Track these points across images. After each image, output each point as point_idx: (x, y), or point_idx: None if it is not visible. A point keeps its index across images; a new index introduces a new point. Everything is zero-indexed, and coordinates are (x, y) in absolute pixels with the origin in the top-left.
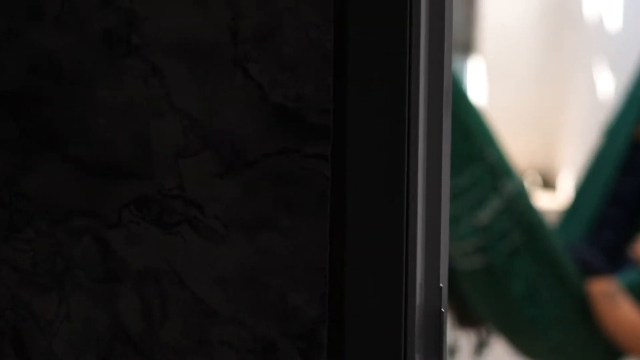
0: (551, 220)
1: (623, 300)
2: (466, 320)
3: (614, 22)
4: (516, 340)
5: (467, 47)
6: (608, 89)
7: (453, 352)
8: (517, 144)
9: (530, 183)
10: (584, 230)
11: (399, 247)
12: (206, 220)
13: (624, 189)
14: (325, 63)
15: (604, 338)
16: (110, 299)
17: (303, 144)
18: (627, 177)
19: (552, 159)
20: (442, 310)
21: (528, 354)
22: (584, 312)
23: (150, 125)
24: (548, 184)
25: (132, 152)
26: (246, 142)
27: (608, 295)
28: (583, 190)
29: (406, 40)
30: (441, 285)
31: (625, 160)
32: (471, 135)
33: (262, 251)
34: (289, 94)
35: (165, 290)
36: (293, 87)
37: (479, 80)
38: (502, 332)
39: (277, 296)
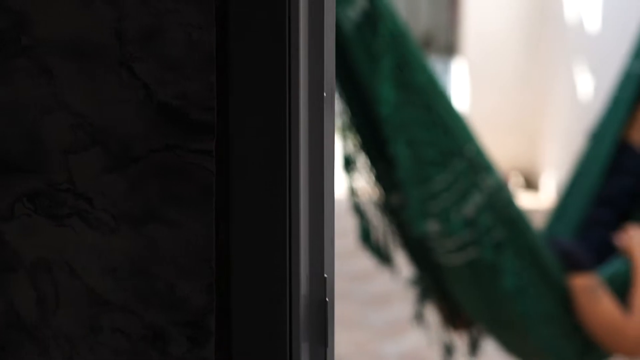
0: (535, 220)
1: (604, 294)
2: (457, 320)
3: (593, 24)
4: (506, 338)
5: (451, 50)
6: (588, 90)
7: (450, 351)
8: (499, 145)
9: (513, 184)
10: (572, 231)
11: (283, 239)
12: (95, 212)
13: (612, 190)
14: (208, 63)
15: (586, 333)
16: (5, 288)
17: (188, 140)
18: (615, 178)
19: (534, 160)
20: (327, 300)
21: (518, 353)
22: (567, 307)
23: (41, 123)
24: (531, 185)
25: (23, 149)
26: (133, 138)
27: (589, 289)
28: (570, 192)
29: (285, 40)
30: (325, 275)
31: (613, 162)
32: (449, 131)
33: (149, 242)
34: (173, 92)
35: (58, 279)
36: (177, 86)
37: (461, 82)
38: (492, 331)
39: (165, 285)
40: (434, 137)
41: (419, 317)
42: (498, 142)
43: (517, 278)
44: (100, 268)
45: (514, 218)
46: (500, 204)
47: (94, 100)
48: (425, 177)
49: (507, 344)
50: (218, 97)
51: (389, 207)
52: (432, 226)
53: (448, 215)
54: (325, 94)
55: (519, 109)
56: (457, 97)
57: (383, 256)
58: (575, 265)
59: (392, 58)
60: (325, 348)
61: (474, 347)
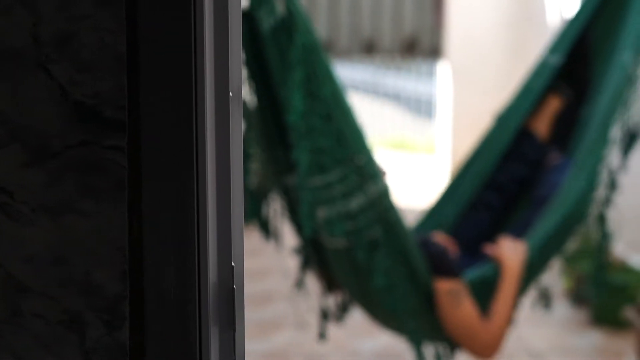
0: None
1: (465, 299)
2: (332, 285)
3: None
4: (376, 316)
5: (435, 53)
6: None
7: (325, 316)
8: None
9: None
10: (459, 211)
11: (192, 230)
12: (16, 205)
13: (505, 176)
14: (119, 64)
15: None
16: None
17: (101, 136)
18: (511, 163)
19: None
20: (235, 287)
21: (387, 327)
22: (431, 306)
23: None
24: None
25: None
26: (50, 135)
27: (451, 293)
28: (464, 172)
29: (191, 43)
30: (233, 264)
31: (512, 147)
32: (344, 140)
33: (67, 232)
34: (87, 92)
35: None
36: (91, 86)
37: (446, 85)
38: (363, 306)
39: (82, 273)
40: (330, 145)
41: (299, 284)
42: None
43: (386, 277)
44: (21, 257)
45: (391, 222)
46: (381, 208)
47: (12, 99)
48: (319, 181)
49: (377, 319)
50: (129, 97)
51: (282, 187)
52: (320, 212)
53: (330, 205)
54: (231, 94)
55: None
56: (442, 99)
57: (270, 231)
58: (441, 269)
59: (303, 69)
60: (234, 332)
61: (344, 309)
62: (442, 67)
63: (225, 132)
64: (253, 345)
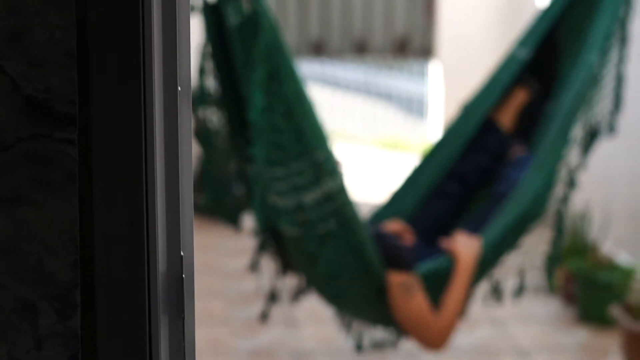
0: None
1: (417, 292)
2: (287, 267)
3: None
4: (327, 302)
5: (427, 53)
6: None
7: (274, 298)
8: None
9: None
10: (419, 199)
11: (141, 221)
12: None
13: (467, 165)
14: (70, 60)
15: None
16: None
17: (53, 130)
18: (474, 153)
19: None
20: (184, 276)
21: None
22: (382, 297)
23: None
24: None
25: None
26: (3, 128)
27: (403, 286)
28: (428, 160)
29: (139, 39)
30: (182, 254)
31: (476, 137)
32: (304, 138)
33: (19, 223)
34: (39, 87)
35: None
36: (42, 81)
37: (437, 85)
38: (314, 291)
39: (35, 262)
40: (287, 141)
41: (254, 267)
42: None
43: (332, 267)
44: None
45: (346, 217)
46: (337, 203)
47: None
48: (276, 173)
49: (328, 304)
50: (80, 91)
51: (244, 176)
52: (275, 202)
53: (285, 197)
54: (180, 88)
55: None
56: (434, 99)
57: (231, 217)
58: (394, 262)
59: (265, 68)
60: (183, 320)
61: (299, 292)
62: (434, 67)
63: (173, 125)
64: (240, 342)
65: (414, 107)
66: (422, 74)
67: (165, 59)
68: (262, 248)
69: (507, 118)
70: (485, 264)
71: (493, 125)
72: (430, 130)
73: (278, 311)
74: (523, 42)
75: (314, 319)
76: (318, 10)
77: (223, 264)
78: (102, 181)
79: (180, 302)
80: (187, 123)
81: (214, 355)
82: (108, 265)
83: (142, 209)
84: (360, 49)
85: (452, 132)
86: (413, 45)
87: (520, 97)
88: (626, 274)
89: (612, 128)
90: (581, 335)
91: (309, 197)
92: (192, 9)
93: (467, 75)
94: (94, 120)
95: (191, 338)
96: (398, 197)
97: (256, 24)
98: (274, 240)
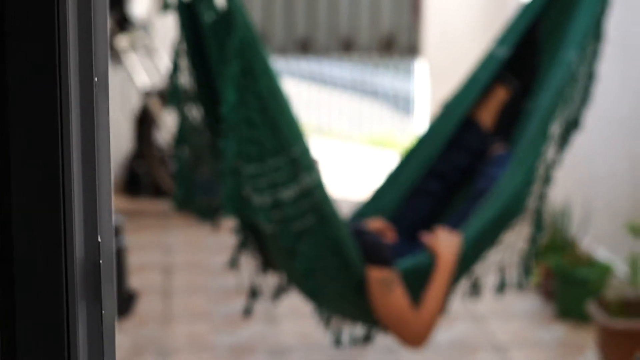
0: None
1: (397, 288)
2: (267, 264)
3: None
4: (305, 296)
5: (413, 51)
6: None
7: (255, 294)
8: None
9: None
10: (400, 196)
11: (57, 209)
12: None
13: (447, 164)
14: None
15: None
16: None
17: None
18: (454, 151)
19: None
20: (100, 262)
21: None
22: (362, 293)
23: None
24: None
25: None
26: None
27: (383, 282)
28: (409, 159)
29: (55, 31)
30: (99, 240)
31: (456, 136)
32: (279, 132)
33: None
34: None
35: None
36: None
37: (424, 83)
38: (294, 288)
39: None
40: (262, 137)
41: (233, 263)
42: None
43: (308, 262)
44: None
45: (324, 213)
46: (315, 199)
47: None
48: (251, 169)
49: (307, 299)
50: None
51: (219, 172)
52: (251, 199)
53: (262, 193)
54: (96, 79)
55: None
56: (420, 97)
57: (205, 214)
58: (374, 258)
59: (239, 64)
60: (101, 305)
61: (280, 290)
62: (420, 65)
63: (90, 115)
64: (221, 338)
65: (400, 104)
66: (409, 71)
67: (81, 50)
68: (242, 245)
69: (487, 116)
70: (466, 260)
71: (473, 124)
72: (417, 128)
73: (258, 307)
74: (502, 40)
75: (294, 314)
76: (304, 8)
77: (206, 261)
78: (19, 170)
79: (97, 288)
80: (104, 112)
81: (193, 350)
82: (26, 253)
83: (59, 196)
84: (346, 47)
85: (433, 130)
86: (399, 43)
87: (500, 96)
88: (603, 270)
89: (577, 123)
90: (559, 331)
91: (287, 194)
92: (167, 7)
93: (453, 73)
94: (11, 112)
95: (110, 323)
96: (379, 195)
97: (230, 21)
98: (254, 238)
